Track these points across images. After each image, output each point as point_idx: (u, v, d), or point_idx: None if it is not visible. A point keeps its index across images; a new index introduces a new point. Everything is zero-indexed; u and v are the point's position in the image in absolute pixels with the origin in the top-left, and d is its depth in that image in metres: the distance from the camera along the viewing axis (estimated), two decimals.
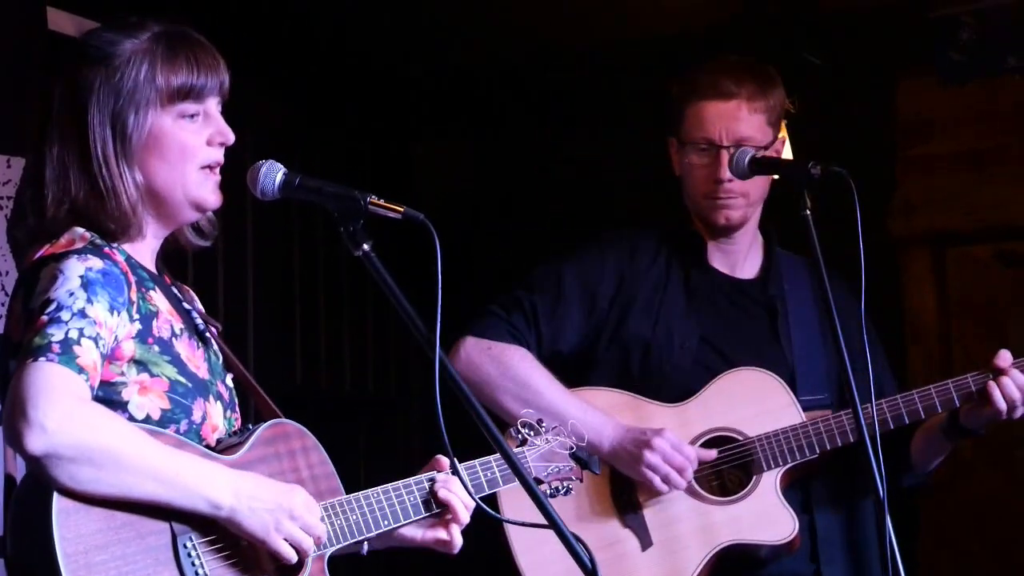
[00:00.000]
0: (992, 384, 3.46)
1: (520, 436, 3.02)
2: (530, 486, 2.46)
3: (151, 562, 2.38)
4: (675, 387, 3.61)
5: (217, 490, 2.42)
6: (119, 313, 2.46)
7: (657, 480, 3.50)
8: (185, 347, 2.60)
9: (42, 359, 2.34)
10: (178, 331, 2.60)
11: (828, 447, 3.53)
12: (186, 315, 2.69)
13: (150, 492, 2.37)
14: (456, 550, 2.85)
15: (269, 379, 2.96)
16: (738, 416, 3.58)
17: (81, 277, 2.43)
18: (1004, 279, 5.62)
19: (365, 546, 2.77)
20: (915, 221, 5.67)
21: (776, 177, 3.65)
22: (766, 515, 3.54)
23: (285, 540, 2.47)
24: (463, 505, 2.78)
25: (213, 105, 2.62)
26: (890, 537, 2.93)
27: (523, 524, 2.60)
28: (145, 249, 2.64)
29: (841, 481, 3.65)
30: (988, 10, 4.81)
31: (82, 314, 2.39)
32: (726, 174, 3.59)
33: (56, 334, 2.36)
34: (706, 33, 5.42)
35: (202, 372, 2.61)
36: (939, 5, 4.98)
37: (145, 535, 2.39)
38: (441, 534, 2.82)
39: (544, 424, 3.05)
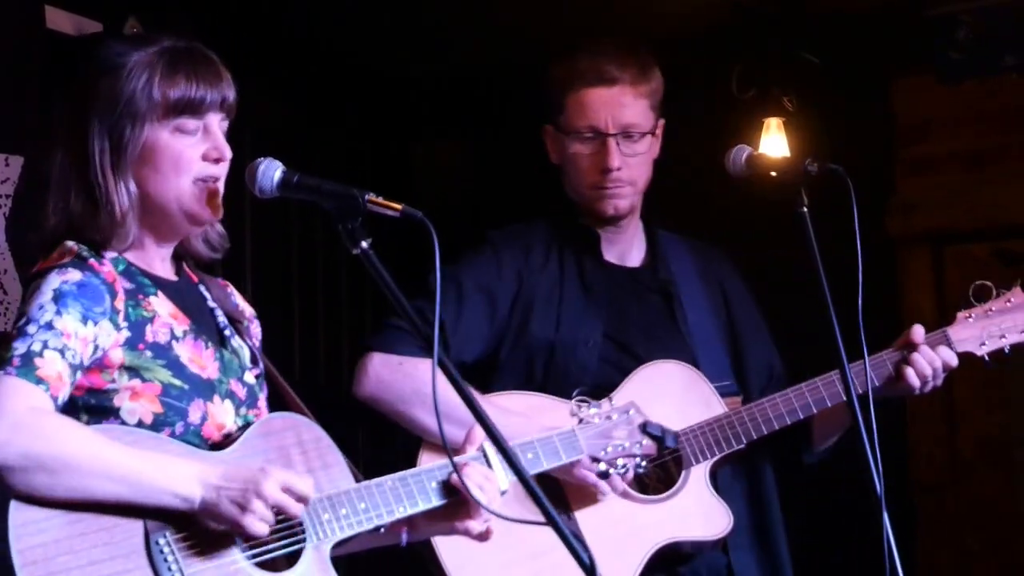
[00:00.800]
0: (907, 359, 3.43)
1: (579, 414, 2.98)
2: (528, 482, 2.45)
3: (120, 561, 2.39)
4: (582, 387, 3.42)
5: (185, 484, 2.43)
6: (96, 323, 2.49)
7: (592, 477, 3.32)
8: (188, 349, 2.60)
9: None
10: (180, 334, 2.61)
11: (755, 436, 3.44)
12: (206, 315, 2.71)
13: (112, 493, 2.39)
14: (484, 538, 2.80)
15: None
16: (660, 411, 3.38)
17: (55, 290, 2.48)
18: (1003, 278, 5.61)
19: (404, 537, 2.77)
20: (914, 220, 5.67)
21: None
22: (701, 510, 3.44)
23: (260, 520, 2.43)
24: (478, 489, 2.71)
25: (215, 121, 2.63)
26: (888, 538, 2.91)
27: (521, 521, 2.57)
28: (151, 255, 2.66)
29: (741, 463, 3.55)
30: (986, 9, 4.82)
31: (48, 326, 2.44)
32: (615, 163, 3.51)
33: (19, 347, 2.42)
34: (705, 33, 5.43)
35: (209, 372, 2.62)
36: (937, 4, 4.99)
37: (116, 535, 2.40)
38: (464, 520, 2.78)
39: (612, 399, 2.99)
